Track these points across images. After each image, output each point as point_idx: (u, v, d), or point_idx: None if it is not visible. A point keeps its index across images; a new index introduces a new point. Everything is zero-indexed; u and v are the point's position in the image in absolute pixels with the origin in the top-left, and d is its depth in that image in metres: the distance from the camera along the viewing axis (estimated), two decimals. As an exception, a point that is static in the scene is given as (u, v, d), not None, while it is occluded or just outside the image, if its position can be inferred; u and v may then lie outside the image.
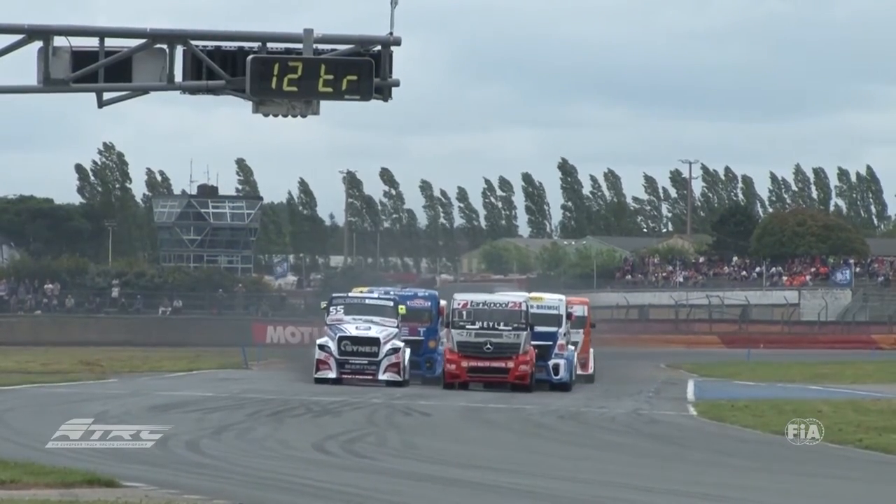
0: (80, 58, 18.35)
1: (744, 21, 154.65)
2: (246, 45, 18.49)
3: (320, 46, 18.38)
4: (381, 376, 38.82)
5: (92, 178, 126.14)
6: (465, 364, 38.75)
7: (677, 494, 14.77)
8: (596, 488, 15.46)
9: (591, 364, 46.91)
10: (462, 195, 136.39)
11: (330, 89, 18.12)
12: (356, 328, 39.39)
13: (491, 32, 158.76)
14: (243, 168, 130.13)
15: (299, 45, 18.27)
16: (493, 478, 16.13)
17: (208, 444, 17.71)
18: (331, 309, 40.59)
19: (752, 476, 17.90)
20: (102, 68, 18.27)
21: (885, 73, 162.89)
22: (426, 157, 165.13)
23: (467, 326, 38.79)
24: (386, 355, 38.82)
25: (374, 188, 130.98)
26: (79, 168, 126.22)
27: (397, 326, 40.13)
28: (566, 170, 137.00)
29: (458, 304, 39.20)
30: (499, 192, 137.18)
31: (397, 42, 18.38)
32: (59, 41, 18.18)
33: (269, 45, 18.50)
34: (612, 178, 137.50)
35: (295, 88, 18.15)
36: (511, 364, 38.59)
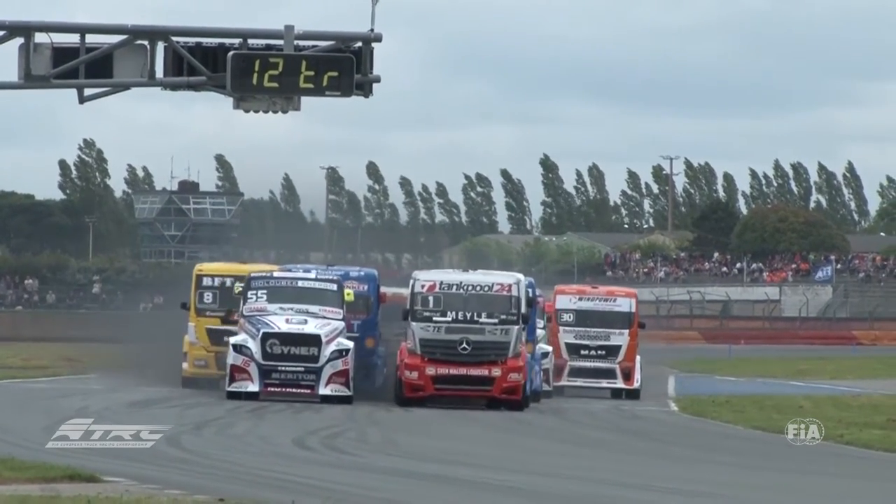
0: (61, 54, 18.20)
1: (722, 17, 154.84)
2: (227, 41, 18.35)
3: (301, 43, 18.27)
4: (322, 390, 28.88)
5: (74, 173, 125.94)
6: (430, 371, 28.78)
7: (664, 492, 14.71)
8: (582, 485, 15.37)
9: (636, 375, 36.86)
10: (441, 191, 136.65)
11: (311, 85, 18.12)
12: (286, 321, 29.45)
13: (470, 29, 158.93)
14: (223, 164, 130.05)
15: (280, 42, 18.16)
16: (475, 474, 16.06)
17: (189, 440, 17.74)
18: (248, 294, 30.15)
19: (735, 472, 17.93)
20: (83, 64, 18.21)
21: (865, 69, 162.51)
22: (406, 154, 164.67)
23: (435, 318, 28.97)
24: (329, 360, 28.92)
25: (355, 184, 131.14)
26: (62, 164, 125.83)
27: (342, 318, 30.14)
28: (547, 166, 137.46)
29: (423, 287, 29.34)
30: (478, 189, 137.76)
31: (378, 38, 18.33)
32: (39, 37, 17.97)
33: (250, 41, 18.33)
34: (597, 174, 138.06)
35: (276, 84, 18.08)
36: (497, 371, 28.78)
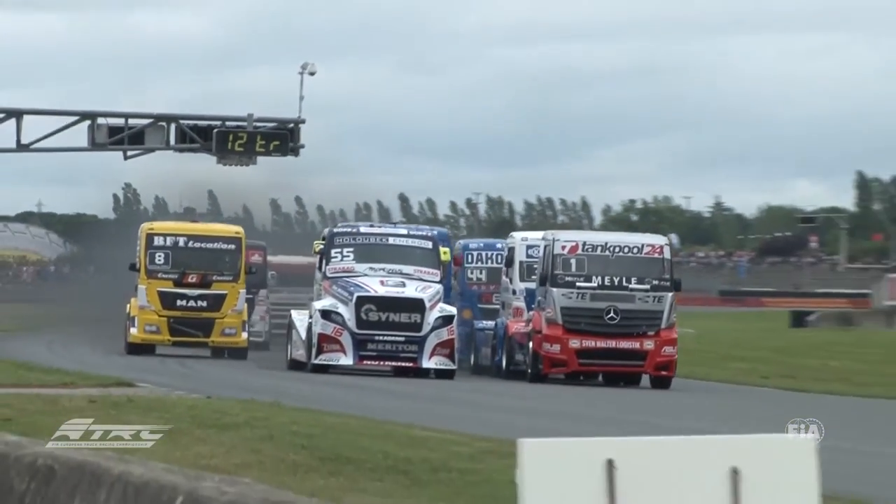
0: (113, 130, 32.07)
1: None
2: (212, 122, 32.50)
3: (257, 124, 32.48)
4: (426, 362, 25.55)
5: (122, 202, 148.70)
6: (574, 344, 25.05)
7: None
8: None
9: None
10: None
11: (262, 150, 32.46)
12: (381, 284, 25.97)
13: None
14: (212, 198, 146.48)
15: (245, 123, 32.48)
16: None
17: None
18: (332, 252, 26.58)
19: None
20: (126, 136, 32.24)
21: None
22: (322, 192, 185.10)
23: (578, 284, 25.29)
24: (433, 328, 25.48)
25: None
26: (114, 197, 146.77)
27: (440, 281, 26.97)
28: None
29: (563, 248, 25.56)
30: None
31: (302, 122, 32.66)
32: (100, 120, 31.80)
33: (227, 123, 32.67)
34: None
35: (242, 149, 32.27)
36: (650, 344, 25.23)
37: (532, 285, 26.96)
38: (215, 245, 31.64)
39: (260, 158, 32.14)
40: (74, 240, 54.69)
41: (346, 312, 25.41)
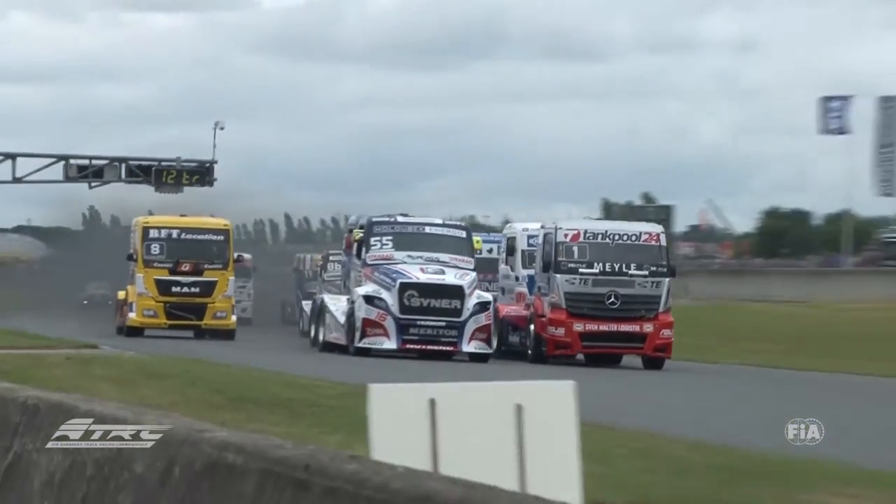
0: (81, 168, 44.94)
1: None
2: (152, 162, 45.42)
3: (184, 163, 45.00)
4: (466, 347, 26.03)
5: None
6: (578, 328, 25.78)
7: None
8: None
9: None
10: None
11: (188, 182, 44.85)
12: (422, 271, 26.44)
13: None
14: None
15: (174, 163, 45.08)
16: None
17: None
18: (371, 241, 27.10)
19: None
20: (90, 172, 45.09)
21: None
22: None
23: (581, 270, 26.02)
24: (472, 314, 26.01)
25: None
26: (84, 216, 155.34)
27: (475, 269, 27.57)
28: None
29: (566, 236, 26.46)
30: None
31: (215, 162, 45.15)
32: (72, 161, 44.72)
33: (162, 162, 45.37)
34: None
35: (173, 182, 44.70)
36: (649, 327, 25.94)
37: (532, 272, 27.72)
38: (206, 236, 34.24)
39: (186, 188, 44.99)
40: (54, 245, 65.58)
41: (390, 298, 25.92)
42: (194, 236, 34.14)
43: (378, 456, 4.79)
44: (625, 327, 26.07)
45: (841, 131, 59.79)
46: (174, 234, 33.71)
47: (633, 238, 26.70)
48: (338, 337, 27.54)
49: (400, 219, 28.31)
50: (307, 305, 35.74)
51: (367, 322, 25.90)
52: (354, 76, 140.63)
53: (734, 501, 8.58)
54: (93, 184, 45.10)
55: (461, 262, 27.10)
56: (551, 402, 5.68)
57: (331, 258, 38.67)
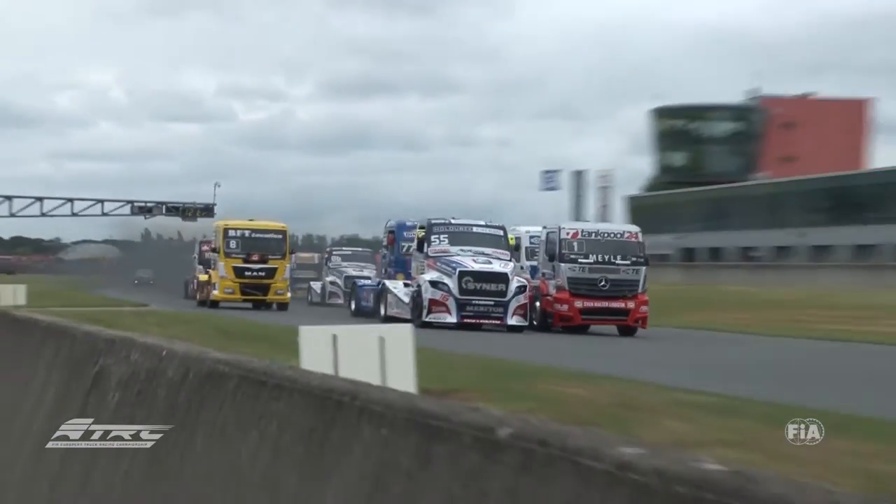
0: (140, 208, 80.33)
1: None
2: (178, 204, 79.13)
3: (197, 205, 79.18)
4: (510, 320, 31.34)
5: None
6: (578, 304, 31.79)
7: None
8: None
9: None
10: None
11: (200, 216, 76.93)
12: (474, 261, 31.99)
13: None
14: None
15: (192, 205, 79.00)
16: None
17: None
18: (431, 238, 32.84)
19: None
20: (146, 210, 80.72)
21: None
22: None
23: (580, 260, 32.04)
24: (514, 295, 31.42)
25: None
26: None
27: (511, 259, 33.25)
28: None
29: (568, 234, 32.55)
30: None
31: (215, 204, 78.58)
32: (136, 203, 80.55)
33: (186, 205, 79.28)
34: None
35: (191, 215, 77.91)
36: (631, 304, 32.07)
37: (533, 263, 34.59)
38: (269, 235, 43.85)
39: (199, 219, 75.51)
40: (124, 251, 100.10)
41: (451, 283, 31.32)
42: (261, 235, 43.36)
43: (305, 366, 7.54)
44: (614, 304, 31.97)
45: (553, 189, 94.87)
46: (246, 233, 43.12)
47: (618, 236, 33.09)
48: (399, 312, 32.63)
49: (453, 221, 34.31)
50: (317, 285, 53.88)
51: (433, 302, 31.31)
52: (293, 157, 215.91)
53: (497, 386, 13.79)
54: (146, 216, 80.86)
55: (501, 255, 32.67)
56: (399, 336, 9.50)
57: (334, 253, 54.95)
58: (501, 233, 33.70)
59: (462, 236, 33.14)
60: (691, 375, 17.29)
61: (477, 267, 31.58)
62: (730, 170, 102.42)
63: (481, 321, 31.43)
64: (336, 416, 3.75)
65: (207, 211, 76.00)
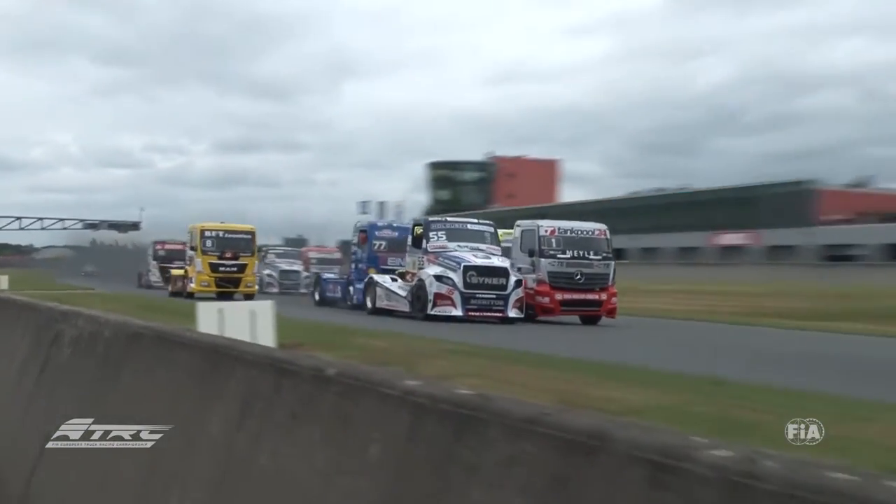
0: (89, 224, 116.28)
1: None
2: (115, 222, 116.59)
3: (128, 222, 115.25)
4: (510, 313, 31.09)
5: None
6: (559, 297, 32.34)
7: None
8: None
9: None
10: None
11: (130, 230, 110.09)
12: (474, 256, 31.91)
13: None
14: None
15: (122, 223, 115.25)
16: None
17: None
18: (430, 234, 32.92)
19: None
20: (92, 226, 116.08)
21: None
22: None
23: (558, 256, 32.62)
24: (513, 288, 31.31)
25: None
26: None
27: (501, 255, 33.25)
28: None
29: (546, 232, 32.97)
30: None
31: (140, 221, 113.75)
32: (87, 221, 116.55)
33: (117, 222, 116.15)
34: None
35: (126, 230, 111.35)
36: (604, 296, 32.76)
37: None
38: (240, 236, 46.82)
39: (129, 232, 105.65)
40: (78, 253, 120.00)
41: (456, 277, 30.99)
42: (233, 235, 46.66)
43: (200, 330, 10.62)
44: (589, 296, 32.61)
45: (366, 213, 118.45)
46: (221, 234, 46.43)
47: (590, 233, 33.34)
48: (391, 305, 33.27)
49: (449, 218, 35.65)
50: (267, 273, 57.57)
51: (438, 296, 30.88)
52: (194, 191, 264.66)
53: (330, 341, 18.63)
54: (93, 230, 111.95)
55: (494, 250, 32.72)
56: (264, 310, 13.82)
57: (270, 251, 61.91)
58: (492, 229, 33.92)
59: (457, 233, 33.20)
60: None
61: (479, 262, 31.38)
62: (476, 203, 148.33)
63: (484, 314, 30.84)
64: (219, 362, 4.93)
65: (135, 226, 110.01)
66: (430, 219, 34.11)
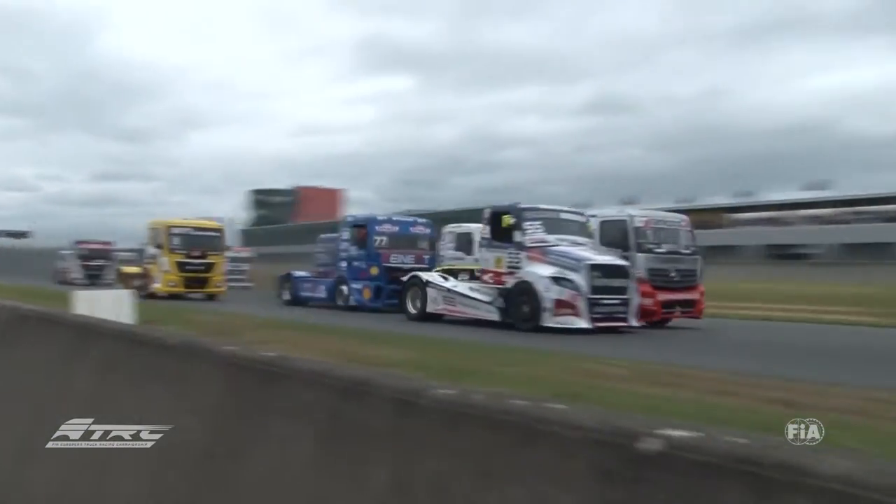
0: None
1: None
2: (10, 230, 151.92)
3: (20, 230, 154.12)
4: (632, 321, 25.16)
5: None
6: (661, 297, 27.11)
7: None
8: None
9: None
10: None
11: (22, 237, 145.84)
12: (587, 252, 25.81)
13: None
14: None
15: (19, 231, 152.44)
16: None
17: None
18: (524, 225, 26.28)
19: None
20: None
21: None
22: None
23: (656, 250, 27.55)
24: (633, 291, 25.57)
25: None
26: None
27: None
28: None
29: (641, 223, 27.75)
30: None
31: (30, 230, 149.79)
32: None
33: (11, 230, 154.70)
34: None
35: (18, 237, 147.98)
36: (697, 295, 27.94)
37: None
38: (208, 233, 44.55)
39: (22, 239, 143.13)
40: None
41: (578, 279, 24.42)
42: (201, 232, 44.57)
43: (77, 312, 15.02)
44: (686, 296, 27.64)
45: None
46: (188, 231, 44.37)
47: (677, 224, 28.59)
48: (455, 310, 27.40)
49: (542, 206, 27.53)
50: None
51: (559, 303, 24.14)
52: (72, 210, 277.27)
53: (178, 318, 22.79)
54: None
55: (588, 243, 26.75)
56: (125, 297, 19.28)
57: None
58: (584, 218, 27.79)
59: (554, 223, 26.75)
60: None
61: (600, 259, 25.16)
62: (283, 218, 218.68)
63: (609, 323, 24.49)
64: (87, 335, 6.21)
65: (24, 234, 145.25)
66: (522, 206, 26.91)
